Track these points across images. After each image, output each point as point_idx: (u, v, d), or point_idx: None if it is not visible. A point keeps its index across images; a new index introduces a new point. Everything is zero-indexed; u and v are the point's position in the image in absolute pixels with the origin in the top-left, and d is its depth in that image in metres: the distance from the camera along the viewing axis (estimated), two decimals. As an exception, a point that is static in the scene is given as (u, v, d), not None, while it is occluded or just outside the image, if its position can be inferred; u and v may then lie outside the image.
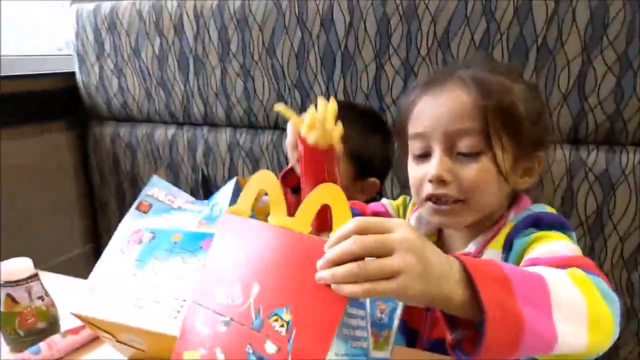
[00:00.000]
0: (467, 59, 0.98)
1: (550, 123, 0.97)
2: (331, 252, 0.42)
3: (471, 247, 0.67)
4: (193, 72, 1.32)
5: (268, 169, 1.27)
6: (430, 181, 0.64)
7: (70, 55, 1.50)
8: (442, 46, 1.05)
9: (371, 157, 0.95)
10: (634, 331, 1.02)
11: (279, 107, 0.72)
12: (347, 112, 0.97)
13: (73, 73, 1.51)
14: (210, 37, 1.27)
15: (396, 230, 0.41)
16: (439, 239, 0.74)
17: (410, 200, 0.80)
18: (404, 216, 0.80)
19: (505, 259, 0.63)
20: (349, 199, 1.02)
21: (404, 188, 1.15)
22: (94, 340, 0.70)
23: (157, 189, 0.68)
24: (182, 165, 1.42)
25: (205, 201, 0.66)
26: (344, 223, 0.43)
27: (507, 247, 0.64)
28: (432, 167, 0.64)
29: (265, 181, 0.51)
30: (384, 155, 0.98)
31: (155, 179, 0.69)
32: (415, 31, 1.06)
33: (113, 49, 1.41)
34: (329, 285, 0.41)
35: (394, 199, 0.82)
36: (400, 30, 1.08)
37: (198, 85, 1.33)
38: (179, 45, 1.32)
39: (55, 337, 0.68)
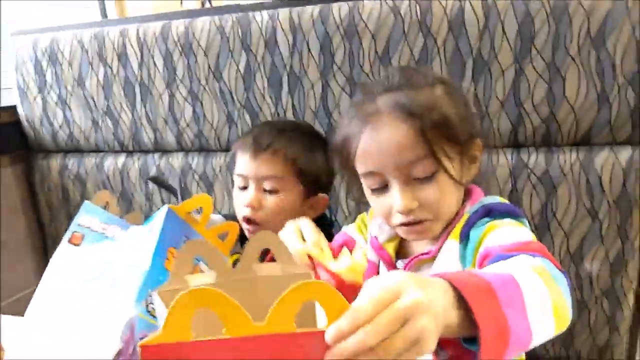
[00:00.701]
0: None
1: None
2: (345, 350, 0.37)
3: (430, 246, 0.71)
4: (140, 99, 1.31)
5: (222, 192, 1.27)
6: (398, 212, 0.67)
7: (10, 88, 1.46)
8: (384, 61, 1.08)
9: (318, 173, 0.96)
10: (586, 322, 1.07)
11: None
12: (292, 132, 0.99)
13: (14, 107, 1.46)
14: (155, 64, 1.26)
15: (402, 295, 0.39)
16: (400, 241, 0.77)
17: (367, 212, 0.84)
18: (367, 232, 0.83)
19: (463, 249, 0.67)
20: (301, 217, 1.01)
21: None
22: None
23: (90, 216, 0.67)
24: (135, 194, 1.40)
25: (140, 227, 0.66)
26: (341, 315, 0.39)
27: (463, 238, 0.68)
28: (396, 201, 0.67)
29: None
30: (328, 170, 0.99)
31: (87, 205, 0.68)
32: (357, 49, 1.09)
33: (55, 81, 1.38)
34: None
35: (349, 211, 0.84)
36: (342, 48, 1.10)
37: (146, 112, 1.31)
38: (124, 74, 1.30)
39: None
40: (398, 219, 0.69)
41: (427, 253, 0.71)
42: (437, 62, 1.06)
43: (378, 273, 0.79)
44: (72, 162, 1.44)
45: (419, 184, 0.67)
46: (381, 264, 0.78)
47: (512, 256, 0.54)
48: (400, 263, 0.75)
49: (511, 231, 0.63)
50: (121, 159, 1.40)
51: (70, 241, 0.66)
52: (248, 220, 0.95)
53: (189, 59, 1.23)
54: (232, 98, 1.22)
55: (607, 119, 0.98)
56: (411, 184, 0.67)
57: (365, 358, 0.37)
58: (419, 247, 0.74)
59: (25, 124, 1.46)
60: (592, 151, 1.01)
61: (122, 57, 1.29)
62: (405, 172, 0.67)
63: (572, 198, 1.03)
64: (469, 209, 0.70)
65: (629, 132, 0.98)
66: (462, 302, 0.42)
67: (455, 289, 0.43)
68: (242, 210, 0.96)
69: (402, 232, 0.72)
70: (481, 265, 0.60)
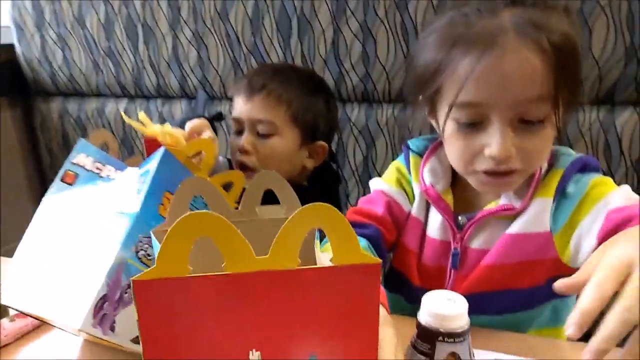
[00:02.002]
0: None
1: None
2: (606, 335, 0.36)
3: (512, 201, 0.64)
4: (142, 41, 1.25)
5: (226, 140, 1.23)
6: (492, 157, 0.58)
7: (8, 26, 1.40)
8: (400, 7, 1.02)
9: (316, 119, 0.91)
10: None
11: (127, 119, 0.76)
12: (290, 74, 0.93)
13: (12, 45, 1.41)
14: (159, 3, 1.20)
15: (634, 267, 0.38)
16: (454, 191, 0.70)
17: (405, 162, 0.74)
18: (409, 184, 0.73)
19: (557, 206, 0.62)
20: (298, 165, 0.99)
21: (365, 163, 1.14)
22: (44, 324, 0.67)
23: (85, 155, 0.63)
24: (137, 140, 1.36)
25: (136, 169, 0.62)
26: (350, 252, 0.36)
27: (558, 194, 0.62)
28: (494, 143, 0.57)
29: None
30: (329, 117, 0.95)
31: (82, 143, 0.64)
32: (372, -8, 1.03)
33: (54, 18, 1.32)
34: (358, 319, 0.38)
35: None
36: (357, -8, 1.04)
37: (149, 55, 1.26)
38: (126, 13, 1.24)
39: (4, 322, 0.64)
40: (486, 164, 0.59)
41: (511, 208, 0.63)
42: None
43: (424, 232, 0.71)
44: (72, 106, 1.40)
45: (523, 129, 0.58)
46: (431, 219, 0.70)
47: None
48: (462, 218, 0.68)
49: (623, 193, 0.59)
50: (123, 104, 1.35)
51: (63, 180, 0.63)
52: (242, 166, 0.91)
53: (194, -1, 1.17)
54: (239, 42, 1.16)
55: (633, 76, 0.93)
56: (515, 127, 0.57)
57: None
58: (483, 200, 0.67)
59: (23, 64, 1.41)
60: (613, 111, 0.96)
61: (125, -6, 1.23)
62: (517, 111, 0.57)
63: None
64: (559, 163, 0.63)
65: (655, 91, 0.93)
66: None
67: None
68: (236, 155, 0.92)
69: (482, 180, 0.62)
70: (615, 230, 0.55)
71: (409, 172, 0.74)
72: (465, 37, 0.58)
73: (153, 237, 0.49)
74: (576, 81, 0.60)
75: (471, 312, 0.45)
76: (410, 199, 0.74)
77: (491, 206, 0.66)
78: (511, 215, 0.64)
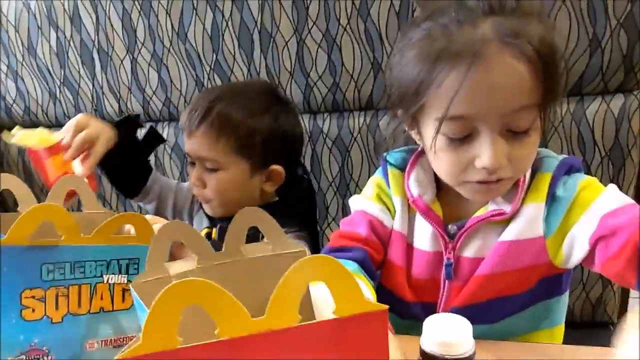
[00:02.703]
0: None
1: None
2: None
3: (501, 205, 0.63)
4: (100, 66, 1.20)
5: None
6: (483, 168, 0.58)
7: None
8: (362, 14, 1.01)
9: (264, 145, 0.85)
10: (579, 278, 1.06)
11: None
12: (230, 99, 0.86)
13: (-40, 81, 1.34)
14: (113, 26, 1.16)
15: None
16: (441, 200, 0.68)
17: (384, 175, 0.72)
18: (389, 199, 0.71)
19: (548, 211, 0.62)
20: (254, 192, 0.97)
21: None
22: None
23: None
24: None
25: None
26: (353, 301, 0.34)
27: (549, 198, 0.62)
28: (485, 155, 0.57)
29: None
30: (285, 136, 0.88)
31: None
32: (332, 0, 1.01)
33: (3, 49, 1.25)
34: None
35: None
36: (317, 0, 1.02)
37: (107, 80, 1.21)
38: (79, 39, 1.19)
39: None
40: (478, 175, 0.59)
41: (501, 213, 0.63)
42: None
43: (408, 245, 0.70)
44: (30, 138, 1.34)
45: (512, 138, 0.57)
46: (418, 231, 0.69)
47: None
48: (452, 227, 0.67)
49: (613, 195, 0.59)
50: (84, 132, 1.30)
51: None
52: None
53: (149, 19, 1.12)
54: (200, 60, 1.13)
55: (598, 67, 0.94)
56: (504, 136, 0.57)
57: None
58: (471, 206, 0.66)
59: (-26, 99, 1.34)
60: (583, 102, 0.97)
61: (75, 19, 1.17)
62: (505, 121, 0.56)
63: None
64: (544, 167, 0.63)
65: (620, 80, 0.94)
66: None
67: None
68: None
69: (473, 190, 0.62)
70: (604, 238, 0.57)
71: (388, 186, 0.72)
72: (449, 51, 0.56)
73: (133, 292, 0.46)
74: (559, 84, 0.59)
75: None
76: (392, 213, 0.72)
77: (481, 213, 0.65)
78: (502, 220, 0.64)
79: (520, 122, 0.57)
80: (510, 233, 0.63)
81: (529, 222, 0.62)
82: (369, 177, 0.98)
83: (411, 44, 0.60)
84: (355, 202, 0.75)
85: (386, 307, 0.36)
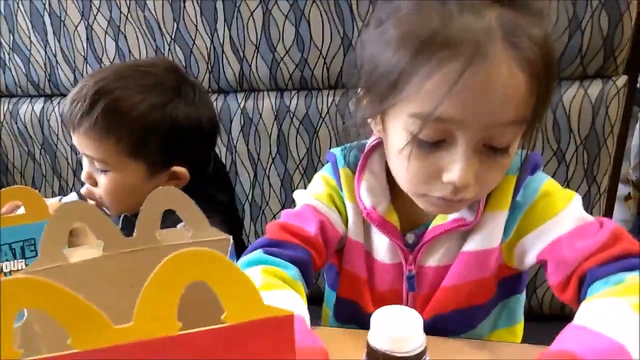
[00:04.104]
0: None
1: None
2: None
3: (464, 214, 0.58)
4: (52, 33, 1.12)
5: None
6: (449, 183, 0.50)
7: None
8: (333, -15, 0.94)
9: (163, 146, 0.74)
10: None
11: None
12: (122, 89, 0.72)
13: None
14: (66, -11, 1.07)
15: None
16: (396, 208, 0.62)
17: (335, 176, 0.64)
18: (342, 202, 0.64)
19: (508, 217, 0.57)
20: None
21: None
22: None
23: None
24: (60, 144, 1.23)
25: None
26: (248, 305, 0.27)
27: (512, 204, 0.57)
28: (455, 170, 0.49)
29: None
30: (189, 131, 0.75)
31: None
32: (301, -31, 0.95)
33: (-53, 11, 1.16)
34: None
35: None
36: (285, -31, 0.95)
37: (61, 49, 1.13)
38: (28, 2, 1.10)
39: None
40: (441, 191, 0.51)
41: (465, 224, 0.57)
42: None
43: (369, 255, 0.64)
44: (-20, 108, 1.25)
45: (486, 155, 0.50)
46: (376, 242, 0.63)
47: (607, 274, 0.49)
48: (410, 236, 0.61)
49: (574, 212, 0.55)
50: (38, 104, 1.22)
51: None
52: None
53: (105, -17, 1.05)
54: (160, 29, 1.05)
55: (577, 50, 0.89)
56: (479, 151, 0.49)
57: None
58: (429, 213, 0.59)
59: None
60: (560, 86, 0.92)
61: (26, -19, 1.09)
62: (489, 134, 0.48)
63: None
64: (509, 168, 0.55)
65: (600, 64, 0.89)
66: None
67: None
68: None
69: (431, 204, 0.54)
70: (552, 262, 0.54)
71: (341, 189, 0.64)
72: (444, 38, 0.46)
73: None
74: (549, 102, 0.52)
75: (434, 334, 0.41)
76: (344, 218, 0.64)
77: (441, 221, 0.59)
78: (464, 229, 0.59)
79: (504, 137, 0.49)
80: (474, 243, 0.58)
81: (491, 231, 0.58)
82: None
83: (396, 18, 0.49)
84: (304, 197, 0.65)
85: (292, 312, 0.29)
